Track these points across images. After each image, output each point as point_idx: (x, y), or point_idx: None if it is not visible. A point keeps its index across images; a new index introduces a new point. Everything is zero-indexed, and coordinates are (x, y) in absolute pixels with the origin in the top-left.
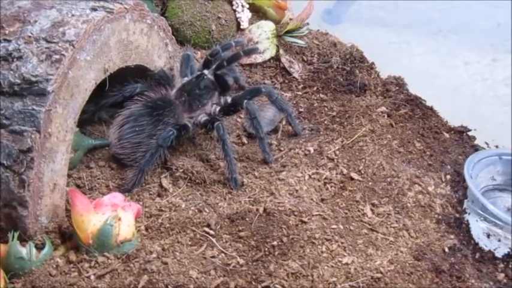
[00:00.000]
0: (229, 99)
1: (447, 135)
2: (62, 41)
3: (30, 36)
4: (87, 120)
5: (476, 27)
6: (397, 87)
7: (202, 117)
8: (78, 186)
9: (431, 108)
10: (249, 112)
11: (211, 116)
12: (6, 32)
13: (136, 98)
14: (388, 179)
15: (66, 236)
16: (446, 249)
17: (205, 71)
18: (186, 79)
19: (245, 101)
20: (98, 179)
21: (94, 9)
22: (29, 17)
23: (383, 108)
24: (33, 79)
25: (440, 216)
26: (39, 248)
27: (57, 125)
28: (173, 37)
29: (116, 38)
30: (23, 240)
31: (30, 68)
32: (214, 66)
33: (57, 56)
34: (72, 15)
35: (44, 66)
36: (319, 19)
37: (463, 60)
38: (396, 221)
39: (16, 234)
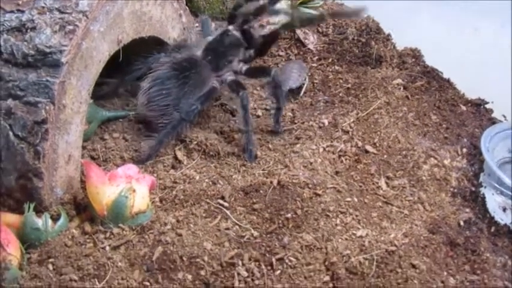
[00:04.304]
0: (253, 54)
1: (464, 107)
2: (75, 11)
3: (43, 7)
4: (107, 94)
5: None
6: (413, 59)
7: (229, 76)
8: (92, 157)
9: (448, 81)
10: (275, 81)
11: (238, 74)
12: (20, 2)
13: (162, 60)
14: (404, 152)
15: (81, 208)
16: (462, 223)
17: (230, 27)
18: (209, 38)
19: (273, 71)
20: (112, 150)
21: None
22: None
23: (399, 81)
24: (47, 50)
25: (455, 190)
26: (55, 219)
27: (71, 97)
28: (187, 8)
29: (129, 8)
30: (38, 211)
31: (43, 38)
32: (240, 21)
33: (71, 27)
34: None
35: (58, 37)
36: None
37: (486, 32)
38: (411, 194)
39: (32, 206)
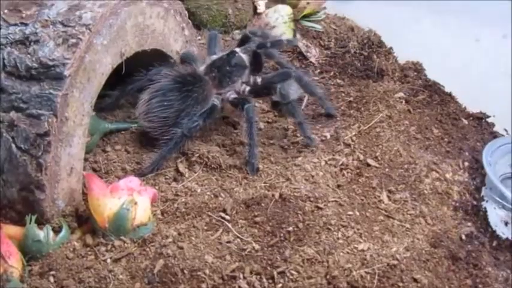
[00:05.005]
0: (259, 80)
1: (466, 121)
2: (78, 24)
3: (47, 20)
4: (108, 105)
5: None
6: (415, 73)
7: (231, 95)
8: (94, 170)
9: (449, 94)
10: (284, 97)
11: (240, 95)
12: (23, 15)
13: (165, 72)
14: (405, 166)
15: (83, 220)
16: (463, 237)
17: (237, 49)
18: (215, 56)
19: (279, 85)
20: (114, 162)
21: None
22: (46, 1)
23: (401, 94)
24: (50, 63)
25: (457, 204)
26: (56, 231)
27: (73, 109)
28: (189, 21)
29: (132, 21)
30: (40, 223)
31: (47, 51)
32: (255, 44)
33: (74, 40)
34: None
35: (61, 50)
36: None
37: (487, 43)
38: (413, 208)
39: (33, 218)
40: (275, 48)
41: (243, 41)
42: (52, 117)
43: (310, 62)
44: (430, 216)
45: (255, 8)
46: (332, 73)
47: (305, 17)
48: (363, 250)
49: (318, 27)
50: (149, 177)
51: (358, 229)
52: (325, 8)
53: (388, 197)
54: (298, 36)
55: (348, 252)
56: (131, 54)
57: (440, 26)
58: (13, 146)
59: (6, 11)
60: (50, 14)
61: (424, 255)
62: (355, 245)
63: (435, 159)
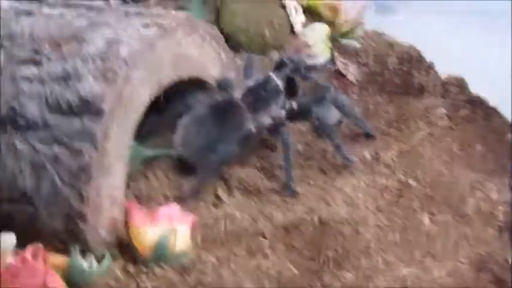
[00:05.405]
0: (294, 104)
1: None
2: (116, 59)
3: (86, 55)
4: (147, 132)
5: None
6: (457, 88)
7: (266, 120)
8: (136, 197)
9: (494, 109)
10: (320, 120)
11: (276, 121)
12: (64, 50)
13: (202, 99)
14: (448, 186)
15: (124, 248)
16: (510, 260)
17: (272, 74)
18: (250, 82)
19: (315, 109)
20: (155, 189)
21: (146, 25)
22: (85, 36)
23: (442, 110)
24: (90, 98)
25: (503, 225)
26: (99, 260)
27: (113, 142)
28: (226, 45)
29: (168, 53)
30: (83, 252)
31: (86, 86)
32: (289, 70)
33: (112, 75)
34: (126, 33)
35: (100, 84)
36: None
37: None
38: (455, 230)
39: (77, 248)
40: (311, 71)
41: (279, 66)
42: (93, 150)
43: (349, 80)
44: (474, 238)
45: (291, 27)
46: (371, 90)
47: (343, 34)
48: (403, 275)
49: (356, 44)
50: (189, 203)
51: (398, 253)
52: (363, 23)
53: (430, 219)
54: (335, 54)
55: (388, 278)
56: (169, 84)
57: (483, 38)
58: (56, 178)
59: (47, 46)
60: (89, 49)
61: (467, 280)
62: (396, 270)
63: (479, 178)
